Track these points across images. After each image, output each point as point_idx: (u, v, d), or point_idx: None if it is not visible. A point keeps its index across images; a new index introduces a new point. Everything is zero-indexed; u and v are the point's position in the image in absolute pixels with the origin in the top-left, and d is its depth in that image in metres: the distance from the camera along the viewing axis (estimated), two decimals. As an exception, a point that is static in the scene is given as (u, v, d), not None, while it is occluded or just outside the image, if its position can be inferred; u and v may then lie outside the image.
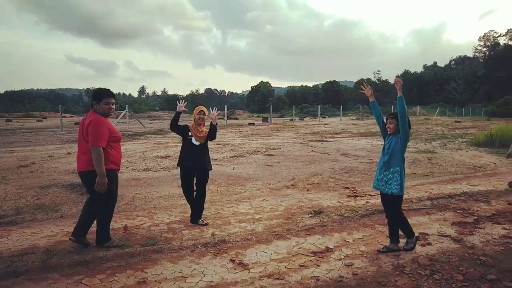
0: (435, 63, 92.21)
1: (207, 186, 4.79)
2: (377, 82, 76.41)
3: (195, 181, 4.65)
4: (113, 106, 3.90)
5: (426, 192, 6.37)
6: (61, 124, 19.84)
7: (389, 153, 3.66)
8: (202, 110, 4.71)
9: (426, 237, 4.19)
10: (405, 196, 6.09)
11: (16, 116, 41.13)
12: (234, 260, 3.53)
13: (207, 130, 4.66)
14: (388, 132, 3.72)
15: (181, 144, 4.75)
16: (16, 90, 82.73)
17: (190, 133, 4.60)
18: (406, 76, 78.25)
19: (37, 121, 33.55)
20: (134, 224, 4.58)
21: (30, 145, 12.96)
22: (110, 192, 3.75)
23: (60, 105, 21.65)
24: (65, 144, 13.27)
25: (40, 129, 22.10)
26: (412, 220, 4.77)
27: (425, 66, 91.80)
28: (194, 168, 4.57)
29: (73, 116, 40.82)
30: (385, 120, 3.76)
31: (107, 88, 3.94)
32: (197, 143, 4.57)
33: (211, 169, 4.73)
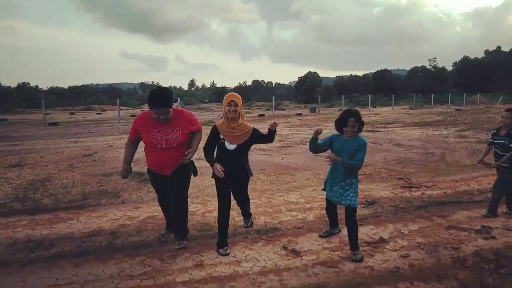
0: (498, 48, 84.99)
1: (249, 186, 4.08)
2: (433, 69, 72.10)
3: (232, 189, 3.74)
4: (163, 117, 3.30)
5: (488, 184, 5.97)
6: (118, 116, 20.98)
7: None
8: (233, 100, 3.45)
9: (489, 230, 3.95)
10: (465, 187, 5.82)
11: (78, 109, 44.16)
12: (287, 247, 3.57)
13: (246, 126, 3.54)
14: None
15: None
16: (78, 85, 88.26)
17: (221, 136, 3.55)
18: (465, 63, 73.16)
19: (96, 113, 35.79)
20: (190, 210, 4.76)
21: (92, 136, 13.89)
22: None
23: (118, 99, 22.85)
24: (123, 135, 14.03)
25: (99, 121, 23.58)
26: (473, 213, 4.54)
27: (486, 52, 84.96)
28: (231, 177, 3.54)
29: (128, 109, 42.96)
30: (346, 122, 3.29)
31: (159, 96, 3.24)
32: (231, 147, 3.53)
33: (252, 175, 3.82)
